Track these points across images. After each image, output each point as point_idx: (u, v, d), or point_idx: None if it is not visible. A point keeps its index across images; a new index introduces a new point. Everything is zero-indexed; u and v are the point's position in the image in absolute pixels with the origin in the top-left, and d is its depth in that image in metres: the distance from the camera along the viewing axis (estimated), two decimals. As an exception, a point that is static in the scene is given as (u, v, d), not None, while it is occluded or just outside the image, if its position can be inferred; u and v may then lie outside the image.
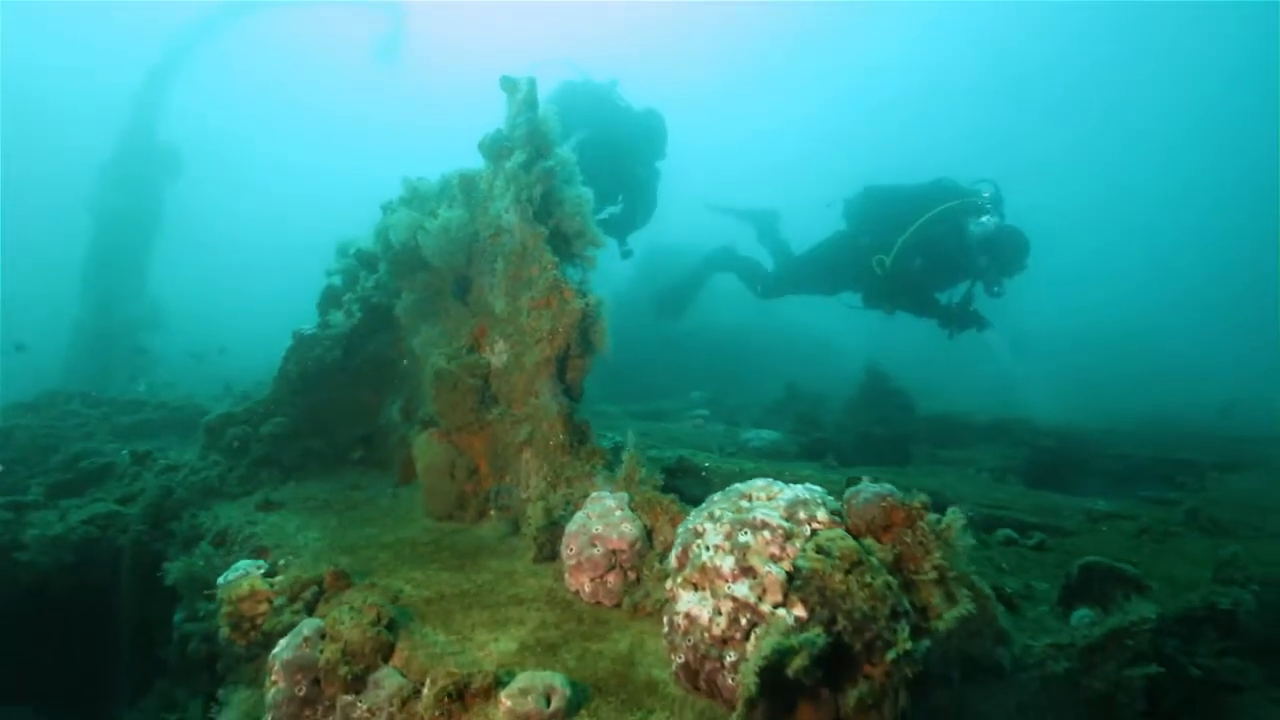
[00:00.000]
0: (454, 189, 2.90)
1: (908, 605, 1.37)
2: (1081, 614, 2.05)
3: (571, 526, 2.07)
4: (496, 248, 2.72)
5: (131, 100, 8.52)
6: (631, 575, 1.96)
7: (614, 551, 1.96)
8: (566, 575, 2.01)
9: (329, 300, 3.63)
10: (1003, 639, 1.61)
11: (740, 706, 1.27)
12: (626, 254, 7.62)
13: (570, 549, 2.01)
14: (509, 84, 2.73)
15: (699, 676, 1.45)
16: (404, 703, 1.51)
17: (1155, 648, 1.74)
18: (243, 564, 2.16)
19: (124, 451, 3.81)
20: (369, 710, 1.54)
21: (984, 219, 6.27)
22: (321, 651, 1.63)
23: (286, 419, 3.29)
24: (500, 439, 2.68)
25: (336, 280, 3.54)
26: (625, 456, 2.17)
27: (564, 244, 2.71)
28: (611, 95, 7.29)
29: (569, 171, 2.80)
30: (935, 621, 1.38)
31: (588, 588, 1.96)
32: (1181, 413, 7.86)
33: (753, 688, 1.26)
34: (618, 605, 1.92)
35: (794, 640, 1.29)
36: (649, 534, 2.02)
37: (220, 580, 2.11)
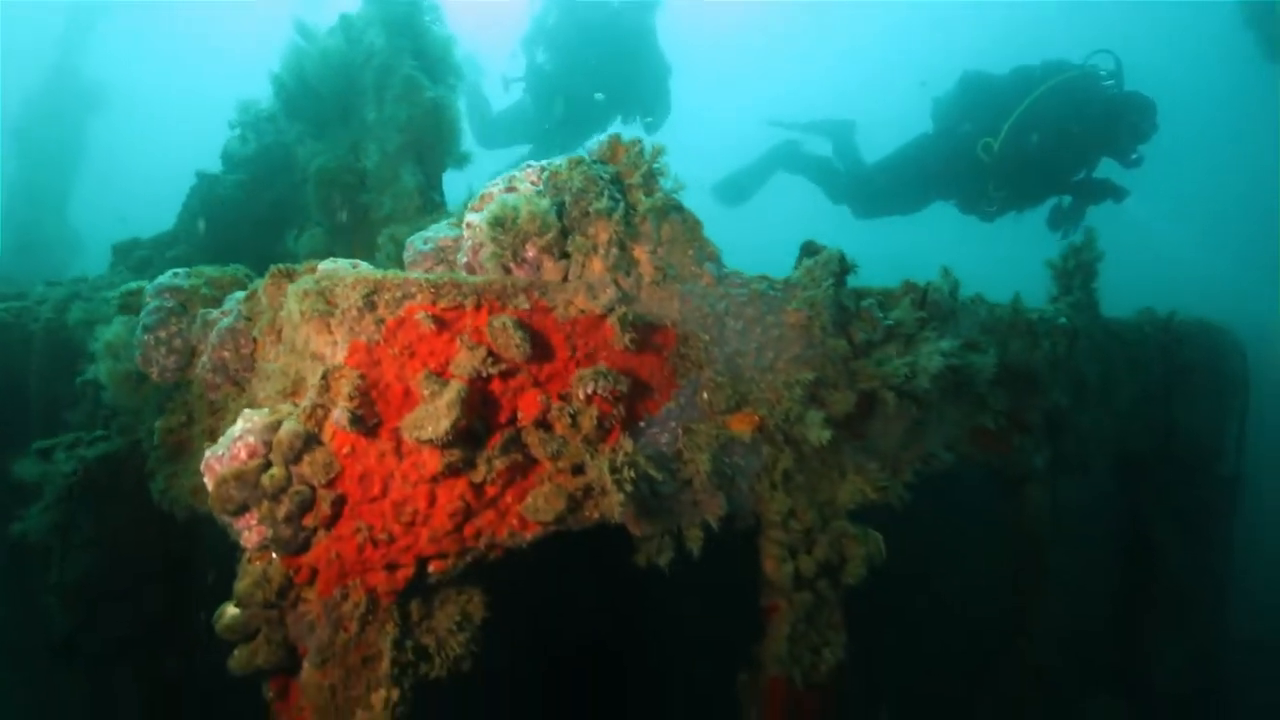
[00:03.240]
0: (337, 28, 3.37)
1: (617, 192, 1.92)
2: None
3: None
4: (368, 70, 3.20)
5: (57, 40, 8.60)
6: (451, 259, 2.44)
7: (441, 248, 2.46)
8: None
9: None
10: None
11: (488, 239, 1.80)
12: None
13: (407, 255, 2.50)
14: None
15: (476, 257, 1.96)
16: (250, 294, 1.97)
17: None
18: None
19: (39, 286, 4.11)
20: (223, 311, 2.00)
21: (1106, 84, 5.86)
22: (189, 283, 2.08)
23: (189, 247, 3.68)
24: (371, 229, 3.15)
25: (235, 134, 3.93)
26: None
27: (430, 66, 3.21)
28: None
29: (438, 13, 3.30)
30: (638, 201, 1.93)
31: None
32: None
33: (484, 227, 1.79)
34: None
35: (522, 199, 1.82)
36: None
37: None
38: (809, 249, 2.34)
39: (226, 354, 1.95)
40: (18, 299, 3.42)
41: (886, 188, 7.02)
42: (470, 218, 1.97)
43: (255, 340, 1.93)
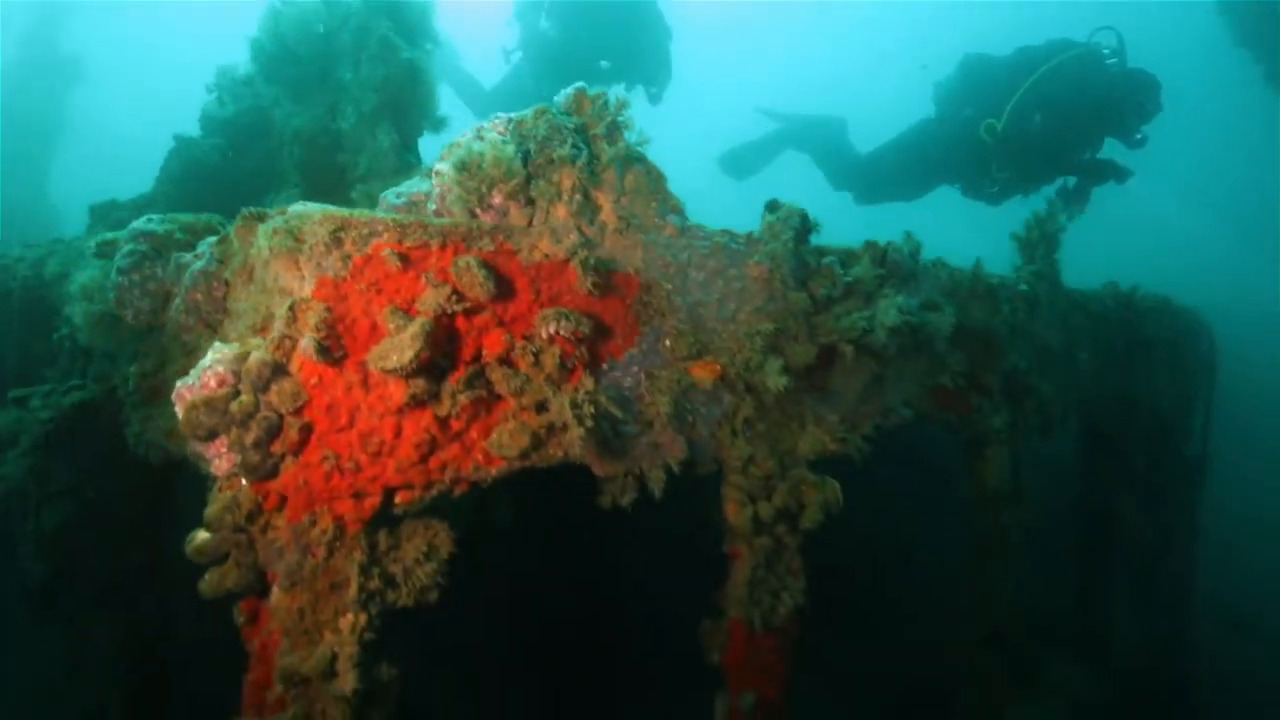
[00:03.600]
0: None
1: (581, 142, 1.97)
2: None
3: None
4: (345, 32, 3.22)
5: (32, 9, 8.48)
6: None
7: (413, 202, 2.50)
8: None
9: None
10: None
11: (454, 183, 1.85)
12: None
13: (380, 210, 2.55)
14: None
15: (444, 203, 2.01)
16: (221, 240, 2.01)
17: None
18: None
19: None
20: (196, 255, 2.04)
21: (1109, 63, 5.80)
22: (163, 229, 2.12)
23: (166, 209, 3.69)
24: (347, 190, 3.19)
25: (213, 98, 3.94)
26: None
27: (407, 29, 3.23)
28: None
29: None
30: (602, 151, 1.99)
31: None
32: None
33: (450, 172, 1.85)
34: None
35: (489, 145, 1.88)
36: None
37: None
38: (771, 206, 2.40)
39: (199, 296, 1.99)
40: (-7, 259, 3.44)
41: (888, 174, 6.96)
42: (439, 166, 2.01)
43: (227, 283, 1.97)
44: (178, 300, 2.02)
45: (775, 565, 2.37)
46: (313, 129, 3.11)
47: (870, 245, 2.53)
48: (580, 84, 2.07)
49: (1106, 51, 5.85)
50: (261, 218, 1.91)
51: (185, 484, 2.67)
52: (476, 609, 4.46)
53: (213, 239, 2.02)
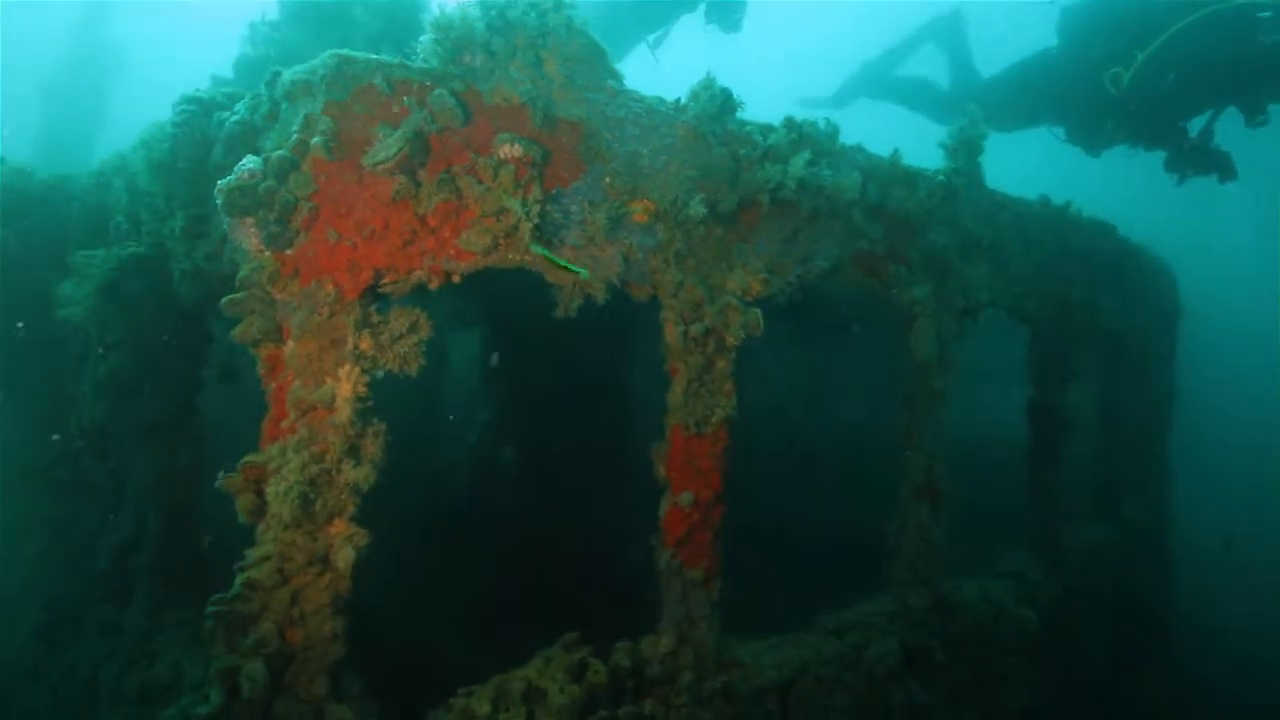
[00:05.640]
0: None
1: (535, 14, 2.48)
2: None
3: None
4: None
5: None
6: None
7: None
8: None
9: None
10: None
11: (430, 41, 2.37)
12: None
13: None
14: None
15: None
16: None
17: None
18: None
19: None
20: (233, 112, 2.57)
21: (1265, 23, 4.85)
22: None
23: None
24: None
25: (246, 44, 4.53)
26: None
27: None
28: None
29: None
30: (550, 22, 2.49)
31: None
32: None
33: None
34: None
35: (459, 10, 2.39)
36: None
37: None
38: (704, 83, 2.88)
39: (235, 141, 2.51)
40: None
41: (996, 103, 6.02)
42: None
43: (256, 128, 2.50)
44: (218, 147, 2.54)
45: (707, 379, 2.82)
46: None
47: (788, 120, 2.99)
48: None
49: (1268, 14, 4.88)
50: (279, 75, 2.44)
51: (219, 335, 3.18)
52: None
53: (247, 97, 2.55)
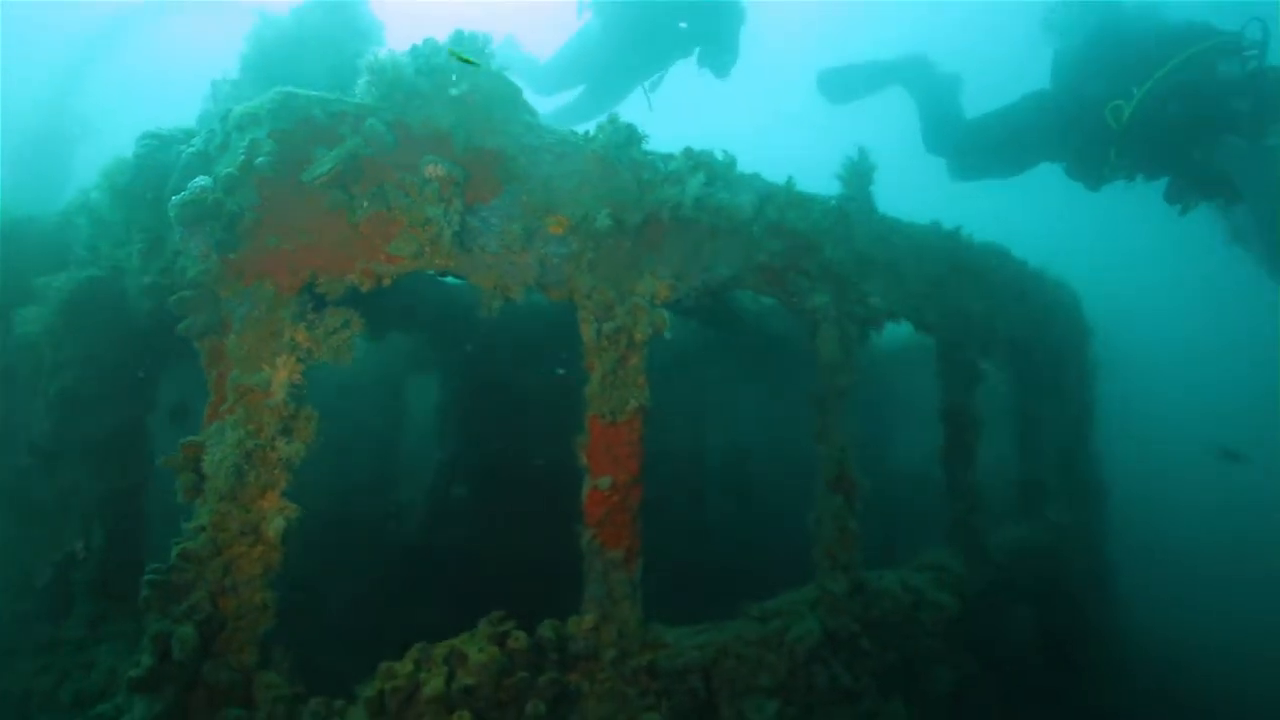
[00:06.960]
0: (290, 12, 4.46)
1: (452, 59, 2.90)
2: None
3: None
4: (312, 40, 4.26)
5: (51, 78, 9.78)
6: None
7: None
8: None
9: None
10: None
11: (365, 75, 2.75)
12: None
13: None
14: None
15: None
16: (207, 131, 2.89)
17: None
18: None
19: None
20: (189, 146, 2.91)
21: (1249, 54, 5.26)
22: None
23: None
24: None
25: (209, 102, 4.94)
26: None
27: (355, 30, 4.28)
28: None
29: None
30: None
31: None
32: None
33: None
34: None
35: (388, 58, 2.79)
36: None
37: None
38: (610, 119, 3.32)
39: (191, 170, 2.84)
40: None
41: (992, 144, 6.41)
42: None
43: (210, 157, 2.83)
44: (176, 175, 2.86)
45: (620, 373, 3.13)
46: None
47: (687, 150, 3.45)
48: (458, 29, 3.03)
49: (1248, 40, 5.24)
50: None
51: (170, 354, 3.40)
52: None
53: (202, 132, 2.90)
